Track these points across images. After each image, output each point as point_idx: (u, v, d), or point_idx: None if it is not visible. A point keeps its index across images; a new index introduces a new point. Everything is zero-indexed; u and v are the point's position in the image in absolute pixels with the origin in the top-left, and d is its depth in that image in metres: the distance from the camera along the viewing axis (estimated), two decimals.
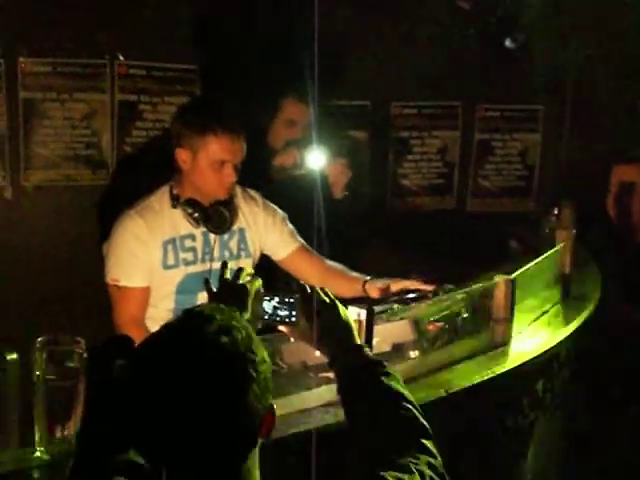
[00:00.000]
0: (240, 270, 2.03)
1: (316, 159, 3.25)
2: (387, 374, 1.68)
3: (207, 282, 2.04)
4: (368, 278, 2.76)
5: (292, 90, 3.35)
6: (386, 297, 2.65)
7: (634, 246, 2.90)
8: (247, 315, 1.92)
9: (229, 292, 1.97)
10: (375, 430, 1.57)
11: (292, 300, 1.86)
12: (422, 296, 2.60)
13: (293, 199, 2.90)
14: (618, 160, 3.06)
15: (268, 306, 1.90)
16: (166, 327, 1.33)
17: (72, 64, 3.55)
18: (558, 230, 3.17)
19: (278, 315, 1.88)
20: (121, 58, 3.62)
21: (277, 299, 1.89)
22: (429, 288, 2.62)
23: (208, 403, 1.22)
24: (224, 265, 2.08)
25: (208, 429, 1.22)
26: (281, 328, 1.92)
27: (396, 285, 2.67)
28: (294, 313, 1.86)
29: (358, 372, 1.69)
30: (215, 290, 2.03)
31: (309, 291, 1.88)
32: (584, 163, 4.31)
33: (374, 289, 2.70)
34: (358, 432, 1.60)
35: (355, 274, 2.81)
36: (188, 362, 1.24)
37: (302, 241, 2.81)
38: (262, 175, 3.12)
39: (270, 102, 3.38)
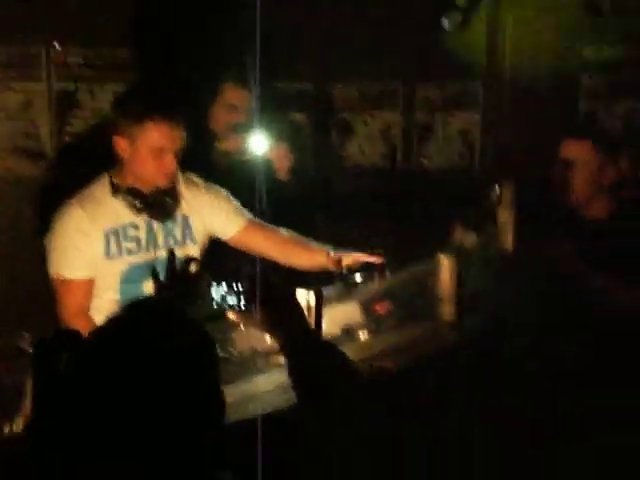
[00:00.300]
0: (188, 259, 2.02)
1: (259, 143, 3.25)
2: (337, 355, 1.70)
3: (155, 273, 2.03)
4: (325, 248, 2.74)
5: (232, 74, 3.33)
6: (335, 276, 2.65)
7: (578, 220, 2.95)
8: (196, 303, 1.92)
9: (178, 282, 1.96)
10: (327, 409, 1.59)
11: (240, 287, 1.86)
12: (369, 276, 2.62)
13: (238, 184, 2.88)
14: (567, 135, 3.10)
15: (216, 294, 1.89)
16: (114, 316, 1.33)
17: (8, 53, 3.48)
18: (500, 208, 3.21)
19: (227, 302, 1.88)
20: (57, 46, 3.56)
21: (225, 286, 1.88)
22: (378, 260, 2.63)
23: (178, 385, 1.22)
24: (171, 254, 2.06)
25: (175, 412, 1.21)
26: (230, 315, 1.92)
27: (348, 258, 2.67)
28: (243, 300, 1.86)
29: (309, 356, 1.70)
30: (162, 280, 2.02)
31: (258, 277, 1.88)
32: (524, 141, 4.37)
33: (330, 261, 2.68)
34: (309, 414, 1.62)
35: (313, 244, 2.78)
36: (153, 340, 1.24)
37: (249, 215, 2.77)
38: (205, 160, 3.10)
39: (210, 87, 3.35)
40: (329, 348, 1.75)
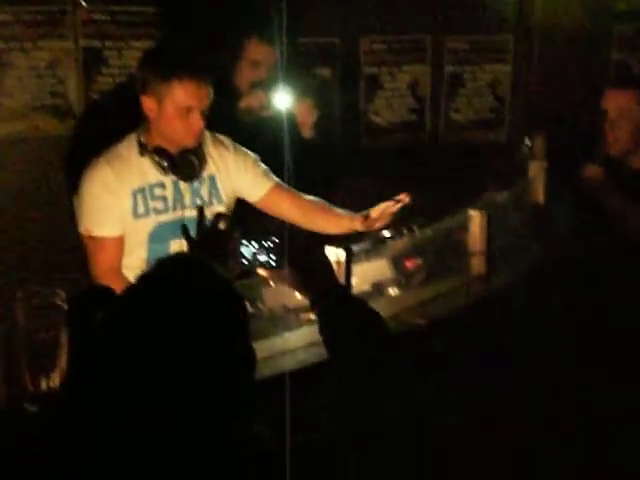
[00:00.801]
0: (218, 216, 2.01)
1: (283, 100, 3.23)
2: (368, 312, 1.70)
3: (185, 229, 2.03)
4: (351, 213, 2.72)
5: (256, 30, 3.29)
6: (368, 230, 2.62)
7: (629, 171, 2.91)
8: (227, 261, 1.92)
9: (208, 239, 1.96)
10: (359, 365, 1.59)
11: (271, 244, 1.86)
12: (398, 233, 2.61)
13: (262, 141, 2.87)
14: (610, 84, 3.06)
15: (247, 252, 1.90)
16: (144, 274, 1.34)
17: (34, 12, 3.47)
18: (531, 161, 3.18)
19: (257, 260, 1.88)
20: (83, 3, 3.54)
21: (255, 244, 1.89)
22: (405, 199, 2.58)
23: (209, 341, 1.23)
24: (201, 211, 2.06)
25: (207, 368, 1.23)
26: (261, 272, 1.93)
27: (375, 211, 2.64)
28: (273, 257, 1.86)
29: (339, 311, 1.71)
30: (194, 237, 2.02)
31: (288, 234, 1.88)
32: (555, 92, 4.31)
33: (357, 222, 2.66)
34: (341, 369, 1.63)
35: (338, 210, 2.76)
36: (185, 297, 1.25)
37: (277, 179, 2.76)
38: (229, 118, 3.08)
39: (234, 43, 3.32)
40: (359, 304, 1.76)
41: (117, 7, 3.62)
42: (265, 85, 3.27)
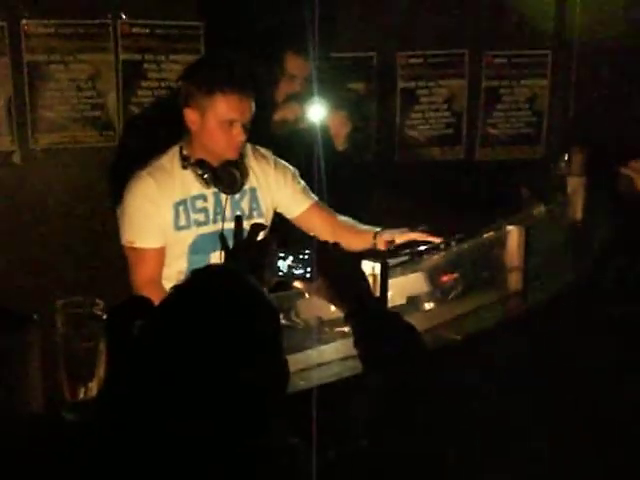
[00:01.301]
0: (256, 227, 2.02)
1: (317, 112, 3.25)
2: (403, 324, 1.70)
3: (223, 238, 2.04)
4: (378, 230, 2.75)
5: (292, 44, 3.32)
6: (396, 250, 2.65)
7: None
8: (263, 273, 1.92)
9: (244, 249, 1.97)
10: (394, 380, 1.59)
11: (307, 257, 1.86)
12: (435, 247, 2.60)
13: (296, 153, 2.89)
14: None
15: (282, 264, 1.90)
16: (179, 285, 1.35)
17: (75, 25, 3.53)
18: (569, 177, 3.15)
19: (293, 273, 1.89)
20: (124, 17, 3.59)
21: (291, 257, 1.89)
22: (435, 239, 2.61)
23: (242, 353, 1.24)
24: (238, 221, 2.06)
25: (240, 379, 1.23)
26: (296, 284, 1.93)
27: (401, 237, 2.67)
28: (309, 270, 1.86)
29: (375, 325, 1.70)
30: (231, 248, 2.03)
31: (324, 247, 1.88)
32: (594, 107, 4.28)
33: (381, 241, 2.70)
34: (376, 383, 1.62)
35: (365, 227, 2.80)
36: (221, 304, 1.26)
37: (315, 198, 2.80)
38: (264, 130, 3.10)
39: (270, 57, 3.35)
40: (394, 317, 1.75)
41: (157, 21, 3.66)
42: (300, 97, 3.29)
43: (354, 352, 1.74)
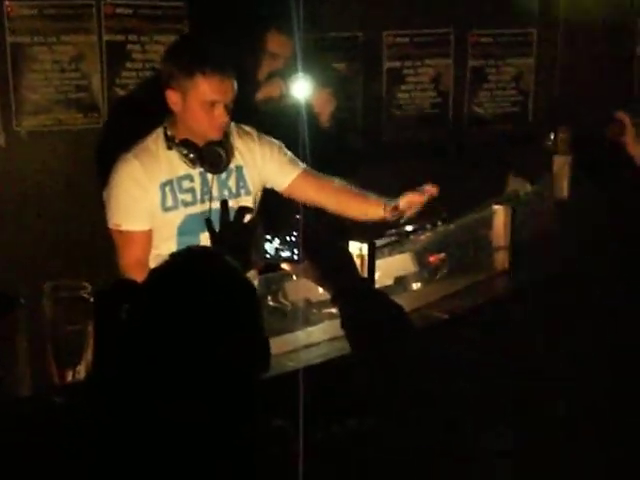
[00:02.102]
0: (242, 210, 2.02)
1: (301, 89, 3.24)
2: (390, 304, 1.70)
3: (209, 222, 2.03)
4: (378, 197, 2.69)
5: (274, 22, 3.31)
6: (393, 222, 2.61)
7: None
8: (250, 255, 1.92)
9: (231, 233, 1.97)
10: (382, 359, 1.60)
11: (294, 239, 1.87)
12: (422, 228, 2.61)
13: (280, 131, 2.87)
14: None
15: (270, 247, 1.90)
16: (161, 267, 1.36)
17: (58, 6, 3.49)
18: (555, 156, 3.16)
19: (280, 255, 1.89)
20: None
21: (279, 239, 1.89)
22: (433, 189, 2.58)
23: (221, 333, 1.25)
24: (224, 205, 2.06)
25: (221, 359, 1.24)
26: (284, 266, 1.93)
27: (403, 201, 2.63)
28: (296, 252, 1.86)
29: (362, 305, 1.71)
30: (217, 231, 2.03)
31: (311, 229, 1.88)
32: (580, 86, 4.28)
33: (387, 210, 2.64)
34: (364, 362, 1.63)
35: (374, 197, 2.71)
36: (201, 286, 1.28)
37: (304, 166, 2.75)
38: (247, 108, 3.09)
39: (252, 35, 3.34)
40: (382, 298, 1.76)
41: (140, 1, 3.63)
42: (283, 75, 3.29)
43: (342, 333, 1.75)
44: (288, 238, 1.89)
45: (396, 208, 2.57)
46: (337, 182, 2.76)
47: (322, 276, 1.83)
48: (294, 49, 3.29)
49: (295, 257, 1.88)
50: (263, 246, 1.92)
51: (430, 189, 2.58)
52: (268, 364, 1.33)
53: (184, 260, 1.38)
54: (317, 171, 2.76)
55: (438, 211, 2.62)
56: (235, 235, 1.96)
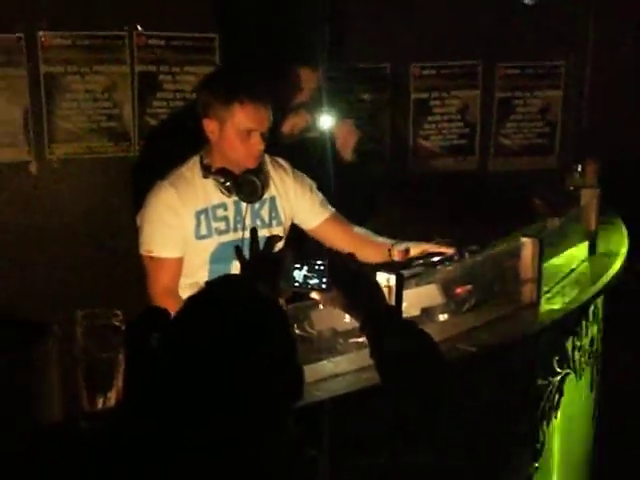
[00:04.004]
0: (272, 238, 2.04)
1: (326, 121, 3.25)
2: (419, 334, 1.70)
3: (239, 250, 2.05)
4: (394, 242, 2.76)
5: (300, 56, 3.34)
6: (411, 261, 2.66)
7: None
8: (279, 283, 1.93)
9: (260, 261, 1.98)
10: (411, 390, 1.59)
11: (322, 267, 1.87)
12: (449, 259, 2.61)
13: (305, 163, 2.89)
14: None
15: (298, 274, 1.91)
16: (195, 296, 1.37)
17: (91, 37, 3.56)
18: (583, 189, 3.15)
19: (308, 283, 1.90)
20: (139, 29, 3.62)
21: (307, 267, 1.90)
22: (450, 251, 2.62)
23: (261, 355, 1.25)
24: (254, 233, 2.08)
25: (262, 383, 1.25)
26: (312, 295, 1.94)
27: (416, 249, 2.68)
28: (324, 280, 1.87)
29: (391, 334, 1.71)
30: (247, 259, 2.05)
31: (340, 258, 1.89)
32: (607, 119, 4.28)
33: (396, 253, 2.70)
34: (393, 393, 1.62)
35: (381, 239, 2.81)
36: (236, 314, 1.29)
37: (332, 210, 2.81)
38: (272, 140, 3.11)
39: (280, 68, 3.36)
40: (410, 327, 1.76)
41: (172, 33, 3.69)
42: (308, 107, 3.31)
43: (370, 363, 1.75)
44: (316, 266, 1.90)
45: (407, 252, 2.62)
46: (357, 229, 2.84)
47: (350, 305, 1.83)
48: (320, 82, 3.32)
49: (323, 285, 1.89)
50: (292, 274, 1.93)
51: (447, 251, 2.61)
52: (302, 392, 1.34)
53: (219, 288, 1.39)
54: (338, 205, 2.80)
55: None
56: (264, 263, 1.97)
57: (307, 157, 3.01)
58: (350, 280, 1.84)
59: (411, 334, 1.71)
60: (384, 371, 1.66)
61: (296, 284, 1.93)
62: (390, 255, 2.72)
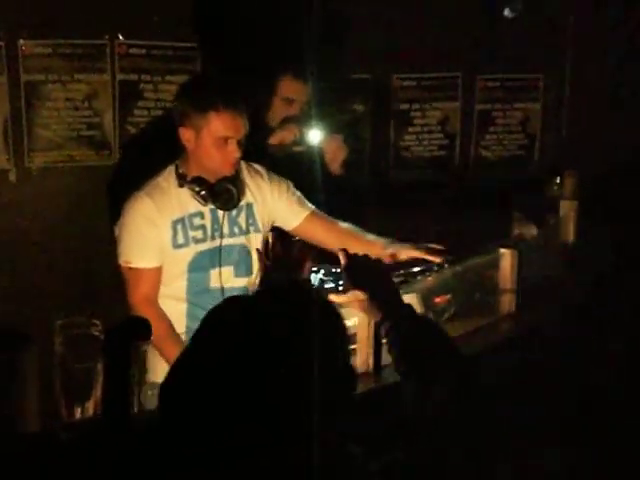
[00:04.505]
0: (293, 242, 2.03)
1: (315, 135, 3.25)
2: (437, 331, 1.71)
3: (259, 253, 2.04)
4: (382, 240, 2.74)
5: (289, 68, 3.33)
6: (396, 268, 2.66)
7: None
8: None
9: (282, 264, 1.98)
10: (431, 383, 1.59)
11: (338, 270, 1.91)
12: (428, 269, 2.62)
13: (292, 177, 2.90)
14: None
15: (315, 278, 1.94)
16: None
17: (72, 45, 3.56)
18: (562, 200, 3.18)
19: (324, 287, 1.93)
20: (121, 38, 3.62)
21: (323, 271, 1.93)
22: (437, 260, 2.63)
23: (322, 363, 1.23)
24: (275, 236, 2.04)
25: (316, 387, 1.24)
26: (331, 297, 1.96)
27: (406, 252, 2.66)
28: (341, 283, 1.90)
29: (409, 331, 1.72)
30: (268, 263, 2.03)
31: (354, 258, 1.92)
32: (586, 131, 4.32)
33: (384, 254, 2.68)
34: (412, 388, 1.62)
35: (370, 236, 2.77)
36: (300, 314, 1.28)
37: (312, 207, 2.79)
38: (260, 154, 3.11)
39: (267, 81, 3.36)
40: (428, 323, 1.78)
41: (153, 42, 3.69)
42: (297, 121, 3.31)
43: (387, 360, 1.74)
44: (333, 269, 1.94)
45: (393, 256, 2.62)
46: (342, 225, 2.80)
47: (367, 304, 1.86)
48: (309, 94, 3.32)
49: (340, 288, 1.92)
50: (309, 278, 1.97)
51: (435, 259, 2.60)
52: (354, 389, 1.34)
53: (277, 290, 1.39)
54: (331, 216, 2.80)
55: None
56: (285, 265, 1.97)
57: (295, 171, 3.00)
58: (367, 279, 1.85)
59: (430, 329, 1.72)
60: (404, 366, 1.66)
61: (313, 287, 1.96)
62: (380, 255, 2.67)
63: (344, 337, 1.36)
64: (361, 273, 1.87)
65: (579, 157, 4.06)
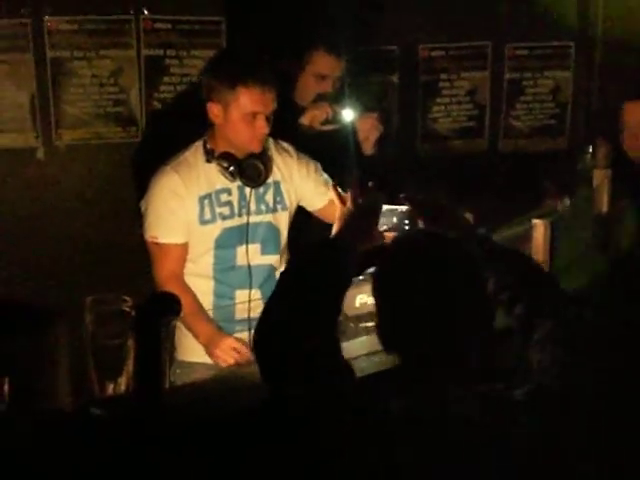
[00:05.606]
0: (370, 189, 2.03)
1: (348, 113, 3.14)
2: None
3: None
4: None
5: (321, 42, 3.17)
6: None
7: None
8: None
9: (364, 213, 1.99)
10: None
11: (402, 211, 2.06)
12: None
13: (322, 156, 2.85)
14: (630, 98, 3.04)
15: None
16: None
17: (98, 21, 3.54)
18: (595, 170, 3.12)
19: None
20: (146, 13, 3.60)
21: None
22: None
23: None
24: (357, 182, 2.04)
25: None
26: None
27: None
28: (406, 222, 2.07)
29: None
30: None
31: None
32: (618, 99, 4.24)
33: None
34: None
35: None
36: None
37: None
38: (292, 131, 3.03)
39: (299, 55, 3.25)
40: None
41: (178, 17, 3.67)
42: (330, 98, 3.20)
43: (379, 347, 1.73)
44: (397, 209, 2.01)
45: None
46: None
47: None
48: (342, 70, 3.21)
49: (406, 227, 2.07)
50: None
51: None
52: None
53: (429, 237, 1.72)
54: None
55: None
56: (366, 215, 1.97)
57: (326, 150, 2.93)
58: (434, 212, 1.97)
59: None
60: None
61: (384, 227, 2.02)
62: None
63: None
64: (430, 207, 2.00)
65: (611, 126, 3.98)
